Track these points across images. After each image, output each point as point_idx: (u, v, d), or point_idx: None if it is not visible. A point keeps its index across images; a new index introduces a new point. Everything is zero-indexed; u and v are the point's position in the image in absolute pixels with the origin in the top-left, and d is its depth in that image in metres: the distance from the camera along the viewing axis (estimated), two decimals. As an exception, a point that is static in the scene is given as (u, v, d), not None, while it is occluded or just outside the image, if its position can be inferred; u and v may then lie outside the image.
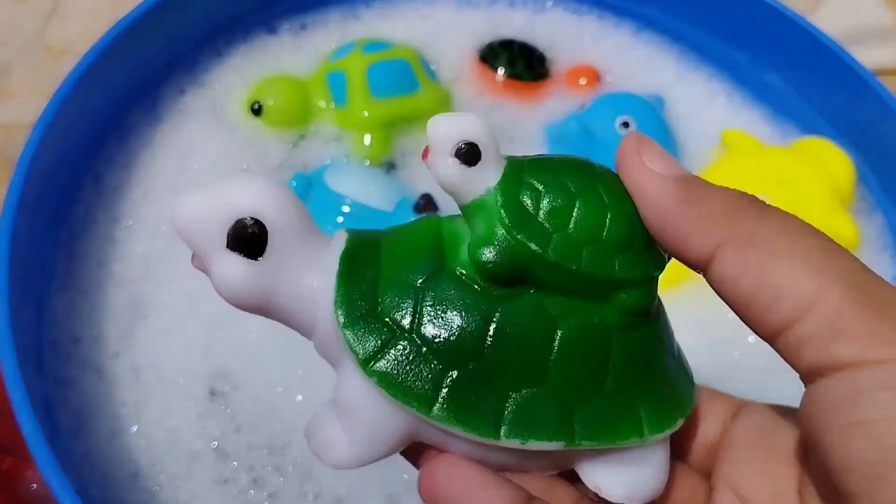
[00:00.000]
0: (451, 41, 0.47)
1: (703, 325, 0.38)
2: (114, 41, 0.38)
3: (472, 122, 0.18)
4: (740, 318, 0.18)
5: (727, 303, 0.18)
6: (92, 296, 0.37)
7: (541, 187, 0.18)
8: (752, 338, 0.38)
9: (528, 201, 0.18)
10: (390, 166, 0.42)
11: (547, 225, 0.18)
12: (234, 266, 0.17)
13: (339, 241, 0.19)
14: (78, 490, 0.28)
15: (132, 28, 0.39)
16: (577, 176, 0.19)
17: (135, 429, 0.34)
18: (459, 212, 0.19)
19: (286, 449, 0.34)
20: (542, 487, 0.19)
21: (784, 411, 0.21)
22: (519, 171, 0.18)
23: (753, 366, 0.38)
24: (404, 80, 0.42)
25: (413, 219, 0.37)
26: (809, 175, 0.40)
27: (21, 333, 0.31)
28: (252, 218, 0.17)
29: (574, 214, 0.18)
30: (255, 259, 0.17)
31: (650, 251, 0.19)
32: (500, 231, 0.18)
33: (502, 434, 0.18)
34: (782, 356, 0.17)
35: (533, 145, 0.44)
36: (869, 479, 0.15)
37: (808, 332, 0.16)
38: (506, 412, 0.18)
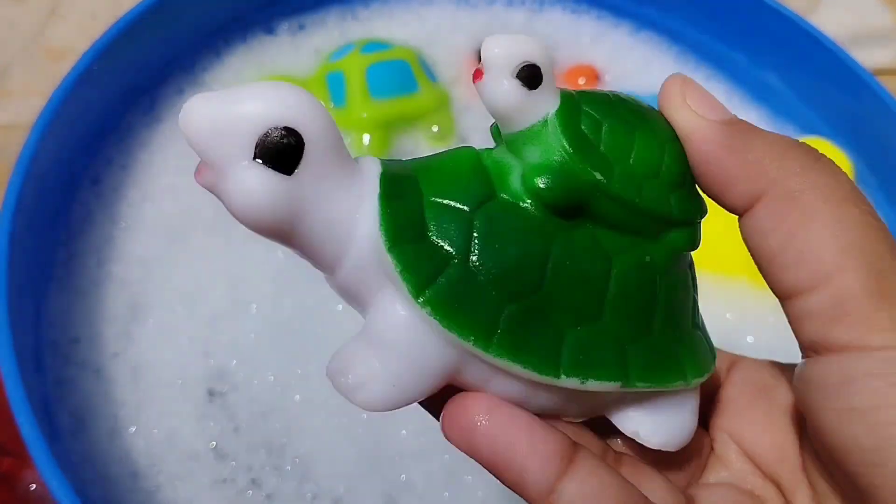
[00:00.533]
0: (450, 41, 0.47)
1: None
2: (112, 41, 0.38)
3: (533, 44, 0.17)
4: (758, 268, 0.17)
5: (750, 250, 0.17)
6: (91, 296, 0.37)
7: (599, 117, 0.17)
8: (751, 338, 0.39)
9: (588, 130, 0.17)
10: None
11: (609, 155, 0.17)
12: (261, 180, 0.15)
13: (372, 165, 0.17)
14: (77, 490, 0.28)
15: (130, 28, 0.39)
16: (631, 108, 0.18)
17: (134, 429, 0.34)
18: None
19: (284, 449, 0.34)
20: (572, 435, 0.18)
21: (780, 368, 0.21)
22: (575, 101, 0.17)
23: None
24: (403, 80, 0.42)
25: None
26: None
27: (20, 334, 0.31)
28: (286, 127, 0.15)
29: (634, 146, 0.17)
30: (287, 174, 0.15)
31: (697, 191, 0.18)
32: (563, 158, 0.16)
33: (562, 372, 0.17)
34: (788, 320, 0.17)
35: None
36: (867, 464, 0.15)
37: (815, 304, 0.16)
38: (564, 349, 0.17)
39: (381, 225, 0.16)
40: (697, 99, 0.18)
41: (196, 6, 0.42)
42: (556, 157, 0.17)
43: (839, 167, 0.17)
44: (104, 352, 0.35)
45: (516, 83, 0.16)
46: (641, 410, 0.19)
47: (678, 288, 0.18)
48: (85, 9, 0.52)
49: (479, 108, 0.45)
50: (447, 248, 0.16)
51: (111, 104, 0.40)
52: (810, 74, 0.44)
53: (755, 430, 0.20)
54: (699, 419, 0.21)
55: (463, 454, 0.17)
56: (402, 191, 0.16)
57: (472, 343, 0.16)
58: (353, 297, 0.17)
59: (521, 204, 0.17)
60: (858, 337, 0.15)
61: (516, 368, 0.16)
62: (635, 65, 0.48)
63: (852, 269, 0.16)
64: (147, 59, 0.42)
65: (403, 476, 0.34)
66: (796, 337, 0.17)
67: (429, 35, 0.47)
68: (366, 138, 0.42)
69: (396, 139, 0.43)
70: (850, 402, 0.15)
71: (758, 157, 0.17)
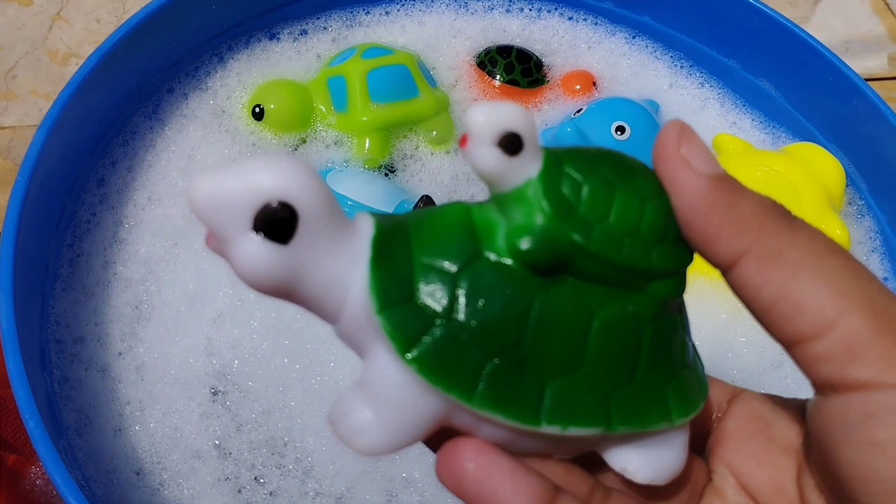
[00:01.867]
0: (449, 47, 0.48)
1: (696, 326, 0.38)
2: (116, 45, 0.39)
3: (515, 112, 0.18)
4: (757, 320, 0.18)
5: (744, 304, 0.18)
6: (96, 296, 0.37)
7: (580, 178, 0.18)
8: (743, 338, 0.39)
9: (568, 192, 0.18)
10: (389, 170, 0.43)
11: (588, 216, 0.18)
12: (260, 250, 0.16)
13: (366, 226, 0.18)
14: (81, 487, 0.28)
15: (135, 32, 0.39)
16: (614, 167, 0.19)
17: (138, 427, 0.34)
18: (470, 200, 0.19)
19: (287, 447, 0.34)
20: (560, 474, 0.19)
21: (779, 402, 0.21)
22: (558, 162, 0.18)
23: (745, 365, 0.38)
24: (404, 85, 0.43)
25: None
26: (800, 178, 0.40)
27: (26, 333, 0.31)
28: (280, 201, 0.16)
29: (614, 206, 0.18)
30: (284, 244, 0.17)
31: (682, 241, 0.19)
32: (542, 220, 0.18)
33: (543, 421, 0.18)
34: (795, 362, 0.18)
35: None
36: (883, 494, 0.16)
37: (826, 349, 0.17)
38: (545, 399, 0.18)
39: (370, 288, 0.17)
40: (692, 149, 0.18)
41: (200, 11, 0.43)
42: (537, 220, 0.18)
43: (813, 226, 0.18)
44: (109, 351, 0.36)
45: (497, 151, 0.17)
46: (630, 447, 0.20)
47: (666, 333, 0.19)
48: (90, 13, 0.53)
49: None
50: (433, 308, 0.17)
51: (116, 107, 0.41)
52: (803, 80, 0.45)
53: (753, 464, 0.21)
54: (699, 451, 0.22)
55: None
56: (393, 253, 0.18)
57: (455, 397, 0.17)
58: (353, 347, 0.19)
59: (505, 262, 0.18)
60: (876, 375, 0.16)
61: (498, 418, 0.18)
62: (630, 70, 0.48)
63: (853, 311, 0.16)
64: (151, 64, 0.42)
65: (403, 474, 0.34)
66: (808, 376, 0.18)
67: (428, 41, 0.48)
68: (367, 143, 0.42)
69: (397, 143, 0.43)
70: (872, 436, 0.16)
71: (740, 217, 0.18)
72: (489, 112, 0.17)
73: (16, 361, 0.30)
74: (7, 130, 0.48)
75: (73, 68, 0.38)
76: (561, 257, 0.18)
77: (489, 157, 0.17)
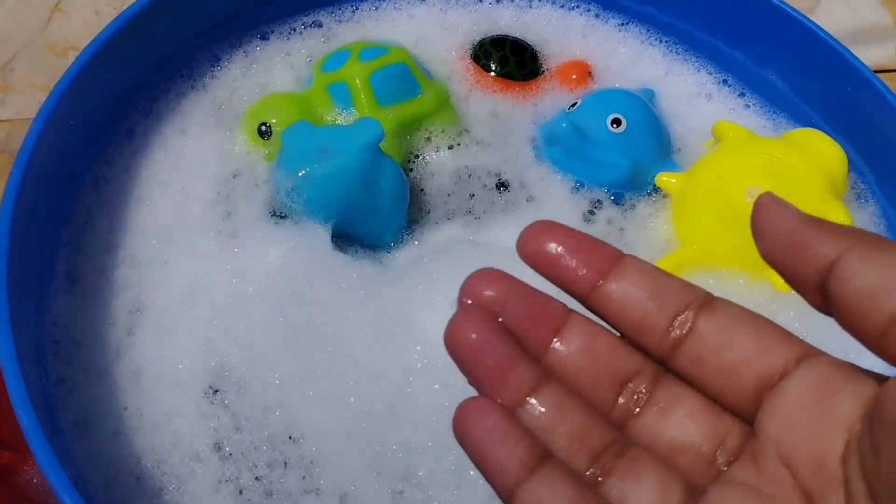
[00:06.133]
0: (441, 41, 0.47)
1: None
2: (112, 37, 0.38)
3: None
4: (844, 314, 0.18)
5: (835, 302, 0.18)
6: (92, 298, 0.37)
7: None
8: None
9: None
10: (404, 170, 0.42)
11: None
12: None
13: None
14: (77, 487, 0.27)
15: (130, 24, 0.39)
16: None
17: (138, 430, 0.34)
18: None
19: (287, 446, 0.34)
20: (578, 422, 0.21)
21: (852, 371, 0.20)
22: None
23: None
24: (406, 84, 0.42)
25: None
26: (802, 164, 0.39)
27: (21, 333, 0.31)
28: None
29: None
30: None
31: None
32: None
33: None
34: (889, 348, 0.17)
35: (527, 145, 0.44)
36: None
37: None
38: None
39: None
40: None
41: (191, 8, 0.42)
42: None
43: None
44: (107, 352, 0.35)
45: None
46: None
47: None
48: (88, 5, 0.53)
49: (474, 107, 0.45)
50: None
51: (111, 104, 0.40)
52: (806, 68, 0.44)
53: (798, 435, 0.19)
54: (742, 410, 0.21)
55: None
56: None
57: None
58: None
59: None
60: None
61: None
62: (626, 58, 0.48)
63: None
64: (145, 59, 0.41)
65: (409, 472, 0.34)
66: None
67: (420, 34, 0.47)
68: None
69: (406, 142, 0.42)
70: None
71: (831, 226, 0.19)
72: None
73: (10, 358, 0.29)
74: (5, 124, 0.48)
75: (71, 61, 0.37)
76: None
77: None
